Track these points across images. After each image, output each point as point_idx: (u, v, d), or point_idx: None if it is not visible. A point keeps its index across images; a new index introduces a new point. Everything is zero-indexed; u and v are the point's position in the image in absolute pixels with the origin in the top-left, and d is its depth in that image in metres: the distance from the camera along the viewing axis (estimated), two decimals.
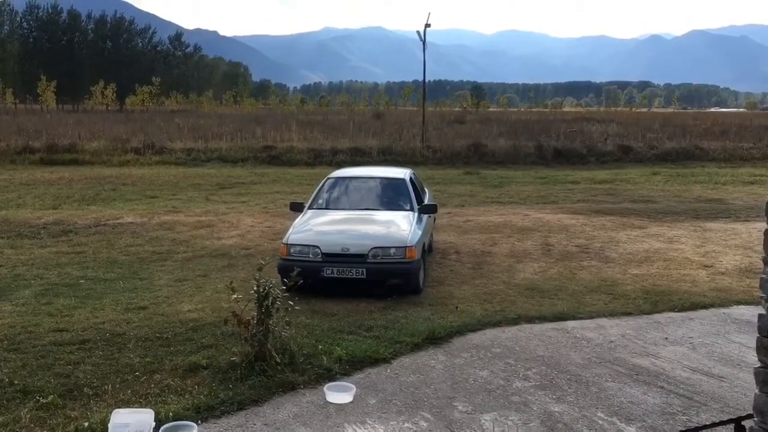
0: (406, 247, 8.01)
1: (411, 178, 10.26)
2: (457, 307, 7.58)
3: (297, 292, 6.00)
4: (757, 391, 2.54)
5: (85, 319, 7.09)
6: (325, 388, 5.12)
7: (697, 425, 4.41)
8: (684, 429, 4.10)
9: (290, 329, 5.87)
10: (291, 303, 5.70)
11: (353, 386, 5.16)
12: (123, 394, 5.11)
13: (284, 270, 7.53)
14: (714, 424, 3.23)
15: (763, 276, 2.52)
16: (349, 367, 5.67)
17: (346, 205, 9.55)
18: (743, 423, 2.72)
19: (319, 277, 7.96)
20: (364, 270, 7.89)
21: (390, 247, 8.03)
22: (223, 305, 7.34)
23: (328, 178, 10.11)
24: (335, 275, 7.94)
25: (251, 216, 14.13)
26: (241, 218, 13.84)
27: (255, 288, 5.53)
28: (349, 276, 7.93)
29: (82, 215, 13.99)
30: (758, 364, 2.56)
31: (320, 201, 9.59)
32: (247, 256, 10.48)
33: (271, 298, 5.52)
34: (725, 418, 4.75)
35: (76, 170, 22.64)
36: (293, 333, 6.04)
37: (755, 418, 2.55)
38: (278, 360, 5.45)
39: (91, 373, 5.56)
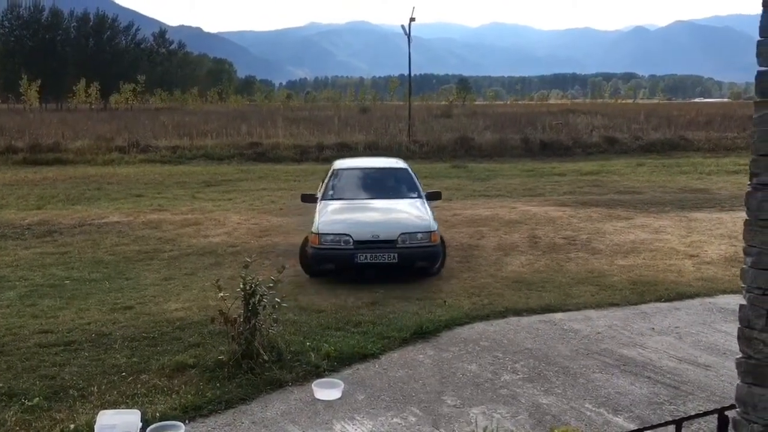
0: (431, 231, 8.65)
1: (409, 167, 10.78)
2: (445, 302, 7.59)
3: (291, 286, 5.97)
4: (739, 381, 2.55)
5: (71, 320, 7.04)
6: (313, 385, 5.11)
7: (683, 415, 4.43)
8: (671, 419, 4.12)
9: (277, 326, 5.86)
10: (278, 300, 5.68)
11: (341, 382, 5.15)
12: (109, 395, 5.07)
13: (318, 259, 8.42)
14: (698, 415, 3.25)
15: (744, 266, 2.53)
16: (337, 363, 5.66)
17: (359, 194, 9.96)
18: (726, 413, 2.73)
19: (353, 264, 8.43)
20: (396, 254, 8.40)
21: (417, 233, 8.59)
22: (210, 303, 7.32)
23: (336, 170, 10.42)
24: (368, 261, 8.40)
25: (238, 213, 14.07)
26: (227, 216, 13.78)
27: (242, 286, 5.50)
28: (381, 261, 8.42)
29: (66, 215, 13.88)
30: None
31: (332, 192, 9.88)
32: (234, 253, 10.44)
33: (257, 296, 5.50)
34: (711, 408, 4.78)
35: (60, 170, 22.45)
36: (280, 330, 6.02)
37: (737, 409, 2.56)
38: (266, 358, 5.43)
39: (77, 374, 5.52)
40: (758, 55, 2.38)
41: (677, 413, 4.66)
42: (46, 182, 19.24)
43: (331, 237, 8.50)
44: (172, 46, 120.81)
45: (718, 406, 4.80)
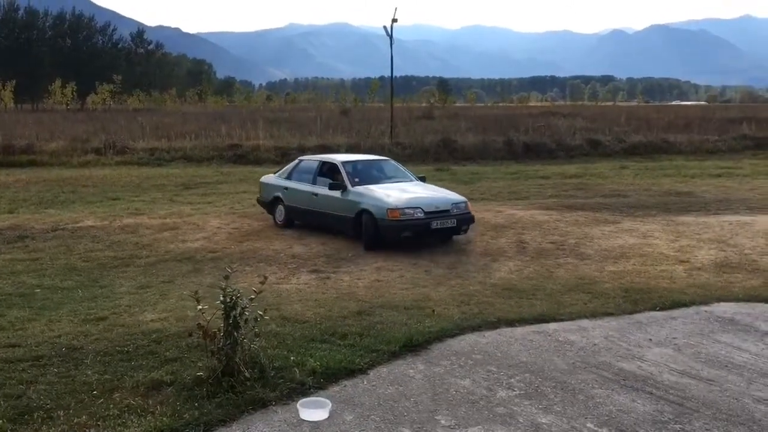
0: (466, 202, 11.35)
1: None
2: (433, 311, 7.30)
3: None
4: None
5: (40, 332, 6.65)
6: (298, 405, 4.79)
7: None
8: None
9: (260, 340, 5.54)
10: (260, 313, 5.36)
11: (328, 401, 4.84)
12: (78, 418, 4.71)
13: (400, 228, 10.52)
14: None
15: None
16: (323, 380, 5.34)
17: (376, 180, 11.87)
18: None
19: (428, 230, 10.72)
20: (454, 220, 10.85)
21: (460, 203, 11.15)
22: (188, 314, 6.97)
23: (344, 163, 12.02)
24: (439, 227, 10.72)
25: (218, 217, 13.69)
26: (207, 219, 13.39)
27: (221, 298, 5.18)
28: (446, 226, 10.80)
29: (39, 219, 13.41)
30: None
31: (357, 179, 11.63)
32: (213, 259, 10.09)
33: (239, 309, 5.18)
34: (719, 425, 4.55)
35: (33, 172, 21.85)
36: (263, 344, 5.70)
37: None
38: (247, 375, 5.10)
39: (45, 393, 5.15)
40: None
41: None
42: (18, 185, 18.68)
43: (408, 210, 10.58)
44: (151, 47, 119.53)
45: (726, 425, 4.59)
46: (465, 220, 11.06)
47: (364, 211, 10.84)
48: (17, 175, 20.76)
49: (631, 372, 5.59)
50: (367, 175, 11.96)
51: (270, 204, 13.06)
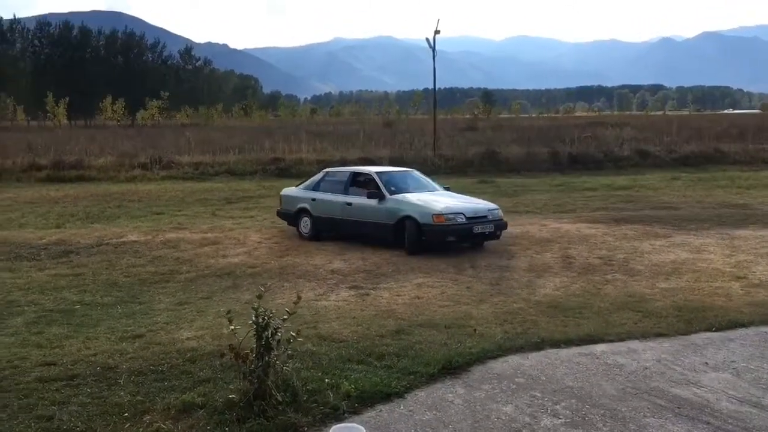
0: (498, 208, 12.01)
1: None
2: (475, 330, 7.03)
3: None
4: None
5: (77, 350, 6.60)
6: None
7: None
8: None
9: (293, 362, 5.36)
10: (293, 334, 5.18)
11: (362, 429, 4.61)
12: None
13: (446, 233, 11.15)
14: None
15: None
16: (357, 404, 5.12)
17: (408, 189, 12.32)
18: None
19: (471, 234, 11.37)
20: (492, 225, 11.54)
21: (494, 209, 11.86)
22: (224, 332, 6.82)
23: (378, 173, 12.54)
24: (480, 231, 11.40)
25: (258, 232, 13.66)
26: (247, 234, 13.37)
27: (253, 318, 5.02)
28: (486, 231, 11.47)
29: (85, 234, 13.56)
30: None
31: (393, 188, 12.11)
32: (252, 275, 10.01)
33: (271, 329, 5.01)
34: None
35: (82, 187, 22.28)
36: (297, 365, 5.53)
37: None
38: (279, 399, 4.92)
39: (76, 414, 5.06)
40: None
41: None
42: (67, 200, 19.03)
43: (451, 215, 11.21)
44: (199, 63, 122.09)
45: None
46: (500, 225, 11.75)
47: (407, 218, 11.41)
48: (66, 190, 21.19)
49: (686, 399, 5.23)
50: (398, 184, 12.41)
51: (294, 216, 13.28)
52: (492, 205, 12.07)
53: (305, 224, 13.02)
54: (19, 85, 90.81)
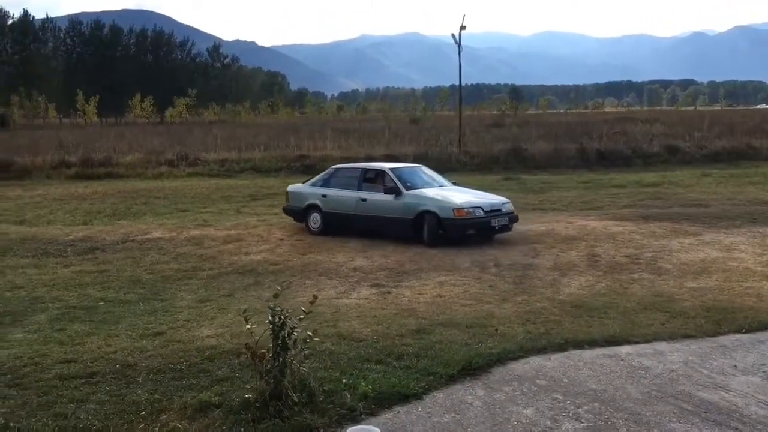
0: (509, 203, 12.42)
1: None
2: (497, 330, 6.92)
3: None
4: None
5: (97, 347, 6.63)
6: None
7: None
8: None
9: (311, 361, 5.31)
10: (310, 333, 5.12)
11: (378, 431, 4.54)
12: None
13: (466, 226, 11.54)
14: None
15: None
16: (374, 405, 5.04)
17: (421, 185, 12.56)
18: None
19: (489, 227, 11.71)
20: (507, 218, 11.98)
21: (506, 203, 12.30)
22: (244, 330, 6.80)
23: (392, 169, 12.75)
24: (497, 224, 11.76)
25: (282, 228, 13.66)
26: (271, 231, 13.38)
27: (270, 318, 4.98)
28: (502, 224, 11.85)
29: (111, 231, 13.69)
30: None
31: (409, 184, 12.34)
32: (274, 272, 10.00)
33: (287, 329, 4.96)
34: None
35: (110, 184, 22.52)
36: (314, 365, 5.47)
37: None
38: (295, 399, 4.86)
39: (94, 412, 5.06)
40: None
41: None
42: (95, 197, 19.24)
43: (470, 209, 11.56)
44: (227, 60, 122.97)
45: None
46: (513, 218, 12.20)
47: (427, 212, 11.67)
48: (94, 187, 21.43)
49: (713, 403, 5.07)
50: (412, 180, 12.63)
51: (303, 212, 13.36)
52: (504, 199, 12.50)
53: (315, 220, 13.12)
54: (51, 84, 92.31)
